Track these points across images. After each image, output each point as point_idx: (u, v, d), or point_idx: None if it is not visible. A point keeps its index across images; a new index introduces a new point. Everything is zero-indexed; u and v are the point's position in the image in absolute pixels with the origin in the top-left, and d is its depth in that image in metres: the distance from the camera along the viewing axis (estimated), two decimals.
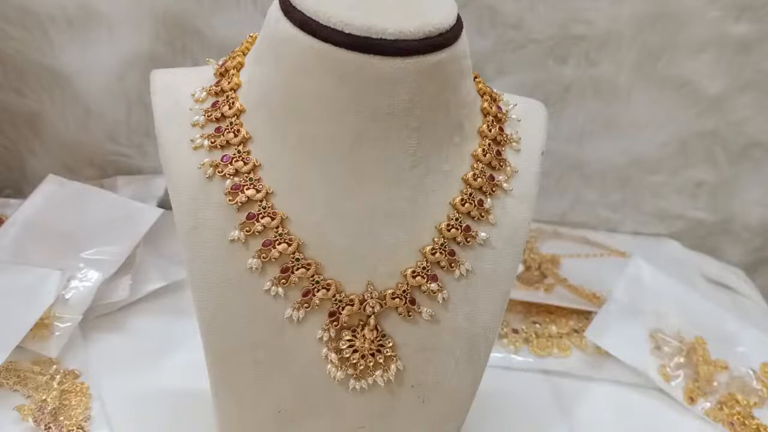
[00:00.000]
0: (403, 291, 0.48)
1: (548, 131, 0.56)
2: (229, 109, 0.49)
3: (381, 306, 0.48)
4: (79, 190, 0.84)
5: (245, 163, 0.48)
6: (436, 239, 0.49)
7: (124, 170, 0.98)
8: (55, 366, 0.70)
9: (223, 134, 0.49)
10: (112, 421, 0.66)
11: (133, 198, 0.87)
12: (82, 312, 0.73)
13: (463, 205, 0.49)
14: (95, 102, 0.92)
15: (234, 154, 0.48)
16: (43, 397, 0.66)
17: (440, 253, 0.49)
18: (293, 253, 0.47)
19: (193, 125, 0.50)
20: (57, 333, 0.71)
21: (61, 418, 0.65)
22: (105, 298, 0.77)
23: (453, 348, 0.50)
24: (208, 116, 0.50)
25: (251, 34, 0.54)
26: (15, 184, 0.97)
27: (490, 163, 0.51)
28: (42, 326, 0.71)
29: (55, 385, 0.67)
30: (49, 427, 0.63)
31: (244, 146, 0.48)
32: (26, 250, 0.78)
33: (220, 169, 0.48)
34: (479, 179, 0.50)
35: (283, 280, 0.47)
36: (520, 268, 0.96)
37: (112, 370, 0.72)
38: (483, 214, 0.50)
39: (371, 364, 0.49)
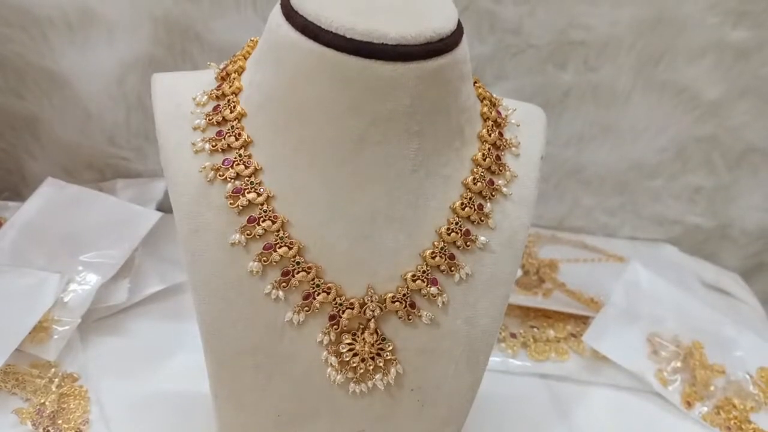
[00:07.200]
0: (404, 294, 0.48)
1: (547, 136, 0.56)
2: (231, 112, 0.49)
3: (381, 309, 0.48)
4: (78, 193, 0.84)
5: (246, 167, 0.48)
6: (436, 243, 0.49)
7: (123, 173, 0.98)
8: (53, 369, 0.70)
9: (224, 138, 0.49)
10: (111, 424, 0.66)
11: (132, 201, 0.87)
12: (81, 315, 0.73)
13: (463, 209, 0.49)
14: (94, 105, 0.92)
15: (235, 158, 0.48)
16: (42, 401, 0.66)
17: (440, 256, 0.49)
18: (294, 256, 0.47)
19: (194, 129, 0.50)
20: (56, 336, 0.71)
21: (60, 422, 0.65)
22: (104, 301, 0.77)
23: (453, 352, 0.50)
24: (209, 120, 0.50)
25: (252, 38, 0.54)
26: (14, 187, 0.97)
27: (489, 167, 0.51)
28: (41, 329, 0.71)
29: (54, 389, 0.67)
30: (48, 431, 0.63)
31: (245, 150, 0.48)
32: (25, 253, 0.78)
33: (221, 173, 0.48)
34: (479, 183, 0.50)
35: (284, 284, 0.48)
36: (519, 272, 0.96)
37: (110, 373, 0.71)
38: (483, 218, 0.50)
39: (371, 367, 0.49)
